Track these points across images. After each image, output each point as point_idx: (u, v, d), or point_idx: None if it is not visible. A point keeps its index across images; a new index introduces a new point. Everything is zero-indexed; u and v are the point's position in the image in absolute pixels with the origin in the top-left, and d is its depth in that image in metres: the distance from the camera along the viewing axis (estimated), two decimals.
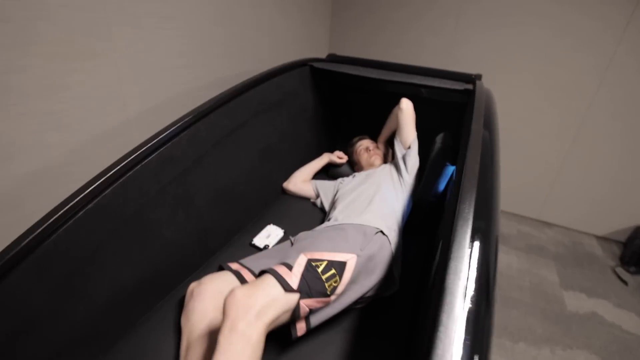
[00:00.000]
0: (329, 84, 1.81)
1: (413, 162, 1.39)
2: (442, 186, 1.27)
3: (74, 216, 0.72)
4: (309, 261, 0.85)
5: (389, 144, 1.64)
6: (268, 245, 1.28)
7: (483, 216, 0.62)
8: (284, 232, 1.35)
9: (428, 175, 1.28)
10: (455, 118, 1.58)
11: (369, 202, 1.18)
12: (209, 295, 0.88)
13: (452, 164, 1.24)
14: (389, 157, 1.67)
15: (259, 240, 1.30)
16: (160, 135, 0.88)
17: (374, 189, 1.26)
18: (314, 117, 1.73)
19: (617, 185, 2.17)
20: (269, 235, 1.33)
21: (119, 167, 0.79)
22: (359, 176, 1.48)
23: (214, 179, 1.11)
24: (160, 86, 1.32)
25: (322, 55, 2.68)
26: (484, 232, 0.59)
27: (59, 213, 0.69)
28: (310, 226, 1.38)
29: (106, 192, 0.77)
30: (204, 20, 1.43)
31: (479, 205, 0.63)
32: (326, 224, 1.17)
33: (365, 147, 1.65)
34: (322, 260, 0.86)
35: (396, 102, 1.64)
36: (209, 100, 1.04)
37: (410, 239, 1.27)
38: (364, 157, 1.62)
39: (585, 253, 2.20)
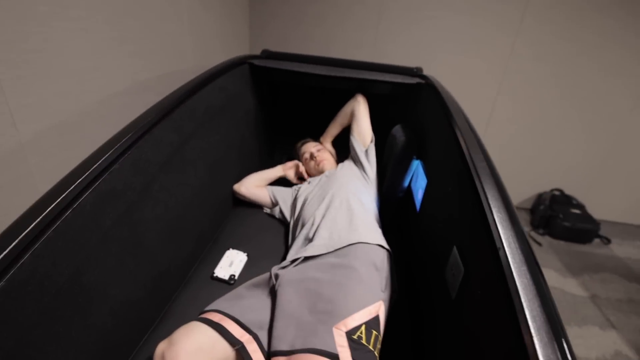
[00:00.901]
0: (267, 83, 1.65)
1: (374, 157, 1.34)
2: (407, 181, 1.26)
3: None
4: (349, 335, 0.71)
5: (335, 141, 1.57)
6: (234, 275, 1.09)
7: (514, 220, 0.59)
8: (247, 256, 1.18)
9: (394, 171, 1.25)
10: (401, 112, 1.59)
11: (349, 209, 1.08)
12: (188, 357, 0.69)
13: (417, 157, 1.22)
14: (335, 156, 1.59)
15: (222, 270, 1.11)
16: (94, 164, 0.64)
17: (344, 193, 1.17)
18: (255, 120, 1.56)
19: (522, 160, 2.50)
20: (232, 262, 1.15)
21: (37, 221, 0.54)
22: (316, 180, 1.37)
23: (164, 209, 0.88)
24: (62, 96, 1.01)
25: (247, 51, 2.48)
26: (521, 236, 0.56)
27: None
28: (274, 245, 1.23)
29: (22, 263, 0.52)
30: (111, 9, 1.14)
31: (507, 209, 0.60)
32: (314, 249, 0.99)
33: (309, 154, 1.50)
34: (359, 327, 0.74)
35: (337, 98, 1.57)
36: (149, 111, 0.81)
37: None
38: (311, 167, 1.48)
39: None
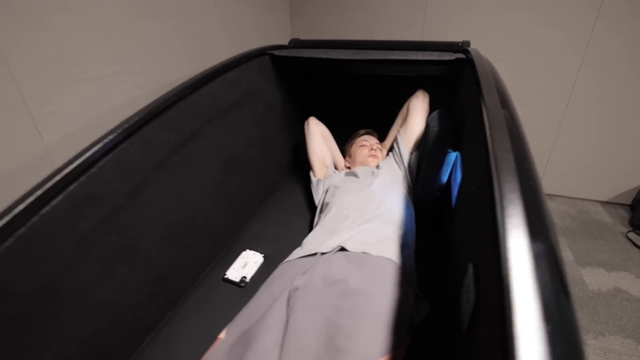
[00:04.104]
0: (296, 74, 1.57)
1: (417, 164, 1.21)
2: (445, 177, 1.07)
3: None
4: None
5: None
6: (245, 278, 1.05)
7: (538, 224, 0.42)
8: (264, 257, 1.13)
9: (428, 167, 1.08)
10: (443, 95, 1.38)
11: (388, 222, 0.98)
12: None
13: (454, 150, 1.03)
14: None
15: (234, 272, 1.07)
16: (68, 168, 0.63)
17: (386, 201, 1.06)
18: (285, 114, 1.50)
19: (616, 146, 2.03)
20: (246, 264, 1.10)
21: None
22: (353, 174, 1.25)
23: (162, 211, 0.86)
24: (85, 101, 1.06)
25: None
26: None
27: None
28: (294, 244, 1.15)
29: None
30: (132, 13, 1.17)
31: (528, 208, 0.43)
32: (347, 243, 0.92)
33: (369, 144, 1.42)
34: None
35: (379, 86, 1.45)
36: (139, 112, 0.79)
37: (419, 245, 1.07)
38: (361, 154, 1.39)
39: (593, 222, 2.06)
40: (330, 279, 0.80)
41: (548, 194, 2.32)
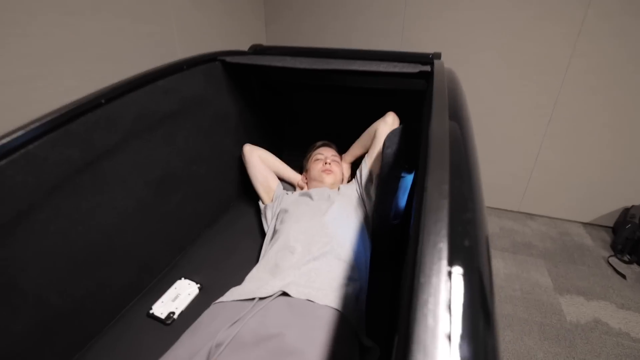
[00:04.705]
0: (258, 83, 1.46)
1: None
2: (402, 202, 0.95)
3: None
4: None
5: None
6: (173, 314, 0.92)
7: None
8: (200, 288, 1.00)
9: (383, 192, 0.96)
10: (410, 115, 1.28)
11: (337, 259, 0.88)
12: None
13: (409, 169, 0.92)
14: (347, 177, 1.36)
15: (161, 306, 0.94)
16: None
17: (337, 234, 0.94)
18: (242, 127, 1.38)
19: (599, 166, 1.94)
20: (177, 296, 0.97)
21: None
22: (307, 196, 1.14)
23: (62, 241, 0.74)
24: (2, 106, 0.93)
25: None
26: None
27: None
28: (238, 272, 1.01)
29: None
30: (60, 10, 1.04)
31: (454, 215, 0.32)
32: (288, 287, 0.80)
33: (324, 157, 1.31)
34: None
35: (348, 98, 1.36)
36: (25, 125, 0.67)
37: (374, 277, 0.95)
38: (315, 168, 1.28)
39: (574, 244, 1.96)
40: (262, 334, 0.68)
41: (529, 213, 2.22)
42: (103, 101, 0.79)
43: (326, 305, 0.75)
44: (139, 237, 0.95)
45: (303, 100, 1.65)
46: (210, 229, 1.25)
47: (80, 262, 0.78)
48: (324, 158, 1.29)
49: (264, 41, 2.27)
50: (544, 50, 1.77)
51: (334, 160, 1.30)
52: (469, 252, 0.30)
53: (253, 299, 0.80)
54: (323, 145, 1.40)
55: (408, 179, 0.90)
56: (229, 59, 1.19)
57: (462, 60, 1.89)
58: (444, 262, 0.28)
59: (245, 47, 1.44)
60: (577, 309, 1.54)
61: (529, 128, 1.97)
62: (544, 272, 1.75)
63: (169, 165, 1.03)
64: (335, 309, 0.75)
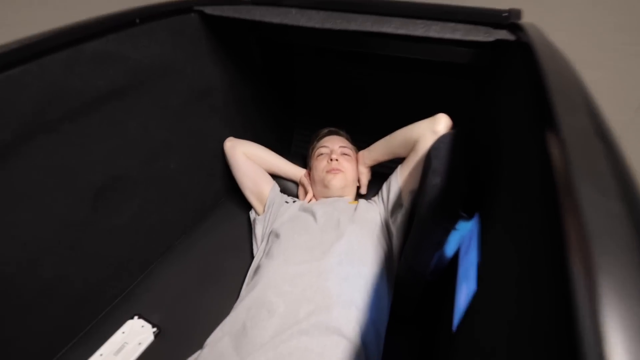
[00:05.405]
0: (259, 47, 1.10)
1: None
2: (448, 254, 0.62)
3: None
4: None
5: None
6: None
7: None
8: (156, 333, 0.74)
9: (419, 237, 0.63)
10: (468, 101, 0.91)
11: (338, 333, 0.57)
12: None
13: (468, 214, 0.57)
14: (364, 184, 0.99)
15: (103, 357, 0.69)
16: None
17: (339, 284, 0.64)
18: (231, 101, 1.04)
19: None
20: (124, 345, 0.72)
21: None
22: (310, 213, 0.82)
23: None
24: None
25: None
26: None
27: None
28: (212, 314, 0.72)
29: None
30: None
31: None
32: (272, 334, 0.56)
33: (329, 150, 0.96)
34: None
35: (378, 71, 1.01)
36: None
37: (390, 341, 0.66)
38: (318, 168, 0.94)
39: None
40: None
41: None
42: None
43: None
44: (69, 266, 0.68)
45: (312, 68, 1.28)
46: (187, 237, 0.97)
47: None
48: (329, 152, 0.95)
49: None
50: None
51: (343, 154, 0.95)
52: None
53: None
54: (329, 133, 1.04)
55: (463, 227, 0.56)
56: (209, 9, 0.82)
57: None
58: None
59: None
60: None
61: (613, 118, 1.52)
62: None
63: (115, 164, 0.73)
64: None
